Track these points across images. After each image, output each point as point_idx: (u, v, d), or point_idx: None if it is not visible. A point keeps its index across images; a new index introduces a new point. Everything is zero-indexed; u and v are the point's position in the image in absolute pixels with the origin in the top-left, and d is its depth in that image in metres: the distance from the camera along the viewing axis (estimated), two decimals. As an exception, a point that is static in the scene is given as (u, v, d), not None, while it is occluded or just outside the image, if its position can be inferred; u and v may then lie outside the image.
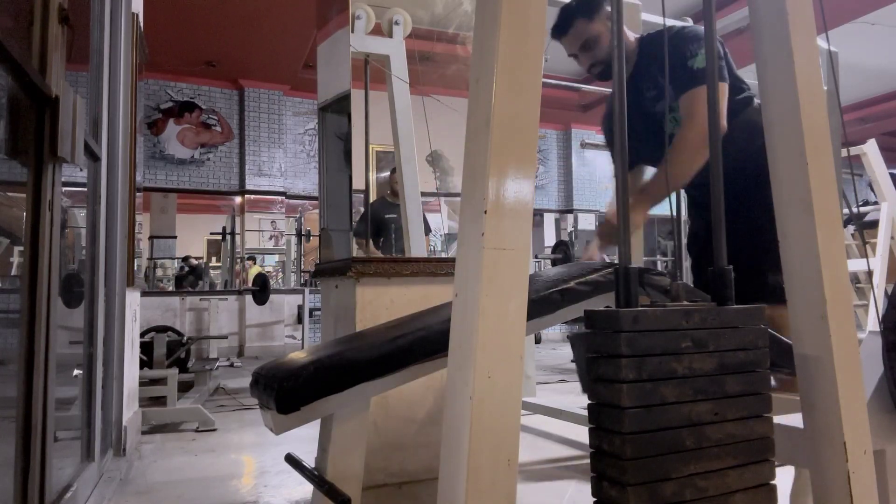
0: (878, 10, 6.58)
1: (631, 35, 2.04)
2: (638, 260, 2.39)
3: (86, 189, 2.42)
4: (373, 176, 3.76)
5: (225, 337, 7.11)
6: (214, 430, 3.48)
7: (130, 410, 2.96)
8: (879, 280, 4.77)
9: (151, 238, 9.52)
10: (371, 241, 3.26)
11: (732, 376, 0.92)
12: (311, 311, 7.68)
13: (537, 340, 8.79)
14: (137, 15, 3.04)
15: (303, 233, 8.66)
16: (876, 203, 5.26)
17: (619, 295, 0.91)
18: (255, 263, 9.07)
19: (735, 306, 0.98)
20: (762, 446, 0.93)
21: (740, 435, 0.91)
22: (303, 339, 7.44)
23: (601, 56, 1.94)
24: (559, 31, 1.96)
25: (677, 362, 0.88)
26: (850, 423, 0.95)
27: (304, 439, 2.46)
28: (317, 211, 5.62)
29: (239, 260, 8.76)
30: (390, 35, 2.51)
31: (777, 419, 1.09)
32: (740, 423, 0.92)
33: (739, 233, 1.42)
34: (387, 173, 4.23)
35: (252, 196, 8.79)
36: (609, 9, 1.82)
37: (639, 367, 0.85)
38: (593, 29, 1.91)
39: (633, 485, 0.82)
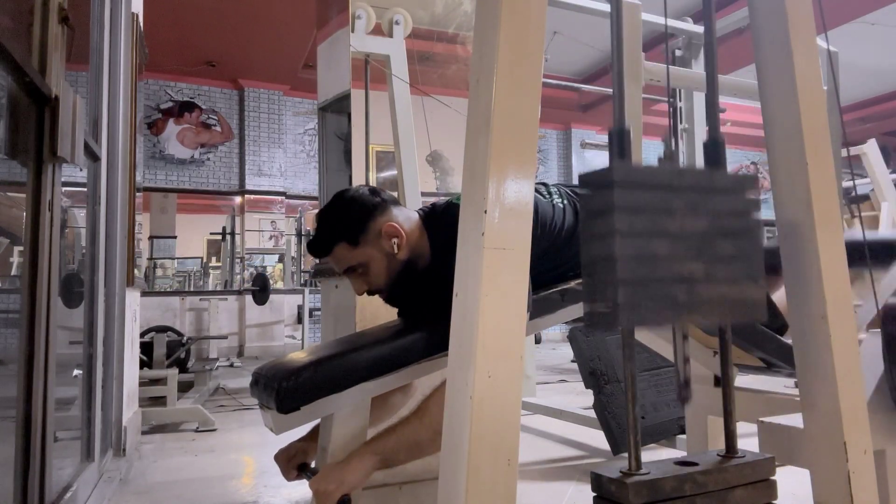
0: (878, 10, 6.59)
1: (408, 225, 1.48)
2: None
3: (86, 189, 2.42)
4: (373, 176, 3.76)
5: (225, 337, 7.12)
6: (214, 430, 3.48)
7: (130, 410, 2.96)
8: (879, 279, 4.75)
9: (151, 238, 9.54)
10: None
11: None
12: (311, 311, 7.68)
13: (537, 340, 8.78)
14: (137, 15, 3.04)
15: (303, 233, 8.66)
16: (867, 178, 5.23)
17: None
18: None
19: None
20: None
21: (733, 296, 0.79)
22: (303, 339, 7.44)
23: (379, 283, 1.47)
24: (319, 251, 1.49)
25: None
26: (850, 423, 0.95)
27: (304, 439, 2.46)
28: (317, 211, 5.63)
29: (239, 260, 8.77)
30: (390, 35, 2.51)
31: (777, 419, 1.09)
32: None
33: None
34: (387, 173, 4.23)
35: (252, 196, 8.80)
36: (376, 233, 1.44)
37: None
38: (360, 255, 1.44)
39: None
